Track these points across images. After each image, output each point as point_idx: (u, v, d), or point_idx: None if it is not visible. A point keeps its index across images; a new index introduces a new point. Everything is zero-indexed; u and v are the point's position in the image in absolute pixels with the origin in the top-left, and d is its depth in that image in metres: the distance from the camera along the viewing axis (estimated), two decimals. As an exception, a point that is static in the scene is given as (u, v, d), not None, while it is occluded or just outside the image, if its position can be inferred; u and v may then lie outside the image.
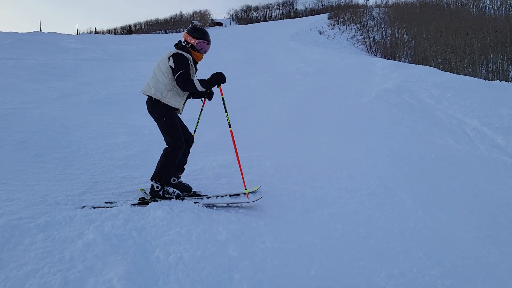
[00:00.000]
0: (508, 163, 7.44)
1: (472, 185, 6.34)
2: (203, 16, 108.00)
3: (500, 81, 15.65)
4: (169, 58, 4.46)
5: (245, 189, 4.70)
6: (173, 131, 4.47)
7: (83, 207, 4.18)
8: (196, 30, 4.63)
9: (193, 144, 4.93)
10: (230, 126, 4.84)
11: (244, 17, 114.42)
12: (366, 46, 71.84)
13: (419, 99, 12.18)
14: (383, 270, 3.65)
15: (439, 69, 21.92)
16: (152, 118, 4.59)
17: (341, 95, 13.14)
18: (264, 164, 6.36)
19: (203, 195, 4.86)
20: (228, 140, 7.59)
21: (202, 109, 5.37)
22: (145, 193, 4.66)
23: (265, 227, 4.02)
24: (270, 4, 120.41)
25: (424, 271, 3.79)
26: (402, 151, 7.49)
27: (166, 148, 4.54)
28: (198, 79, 4.42)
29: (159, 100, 4.42)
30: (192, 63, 4.56)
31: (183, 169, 4.96)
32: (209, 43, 4.68)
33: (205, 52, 4.70)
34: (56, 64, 15.52)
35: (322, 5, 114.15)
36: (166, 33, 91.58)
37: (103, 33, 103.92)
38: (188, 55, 4.52)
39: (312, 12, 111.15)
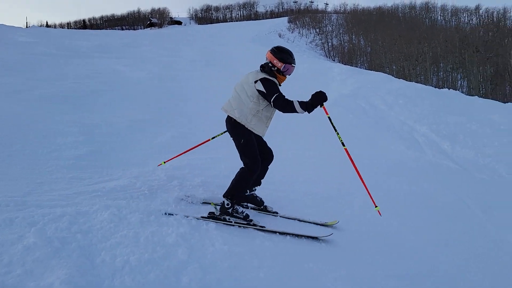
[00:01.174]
0: (453, 168, 7.80)
1: (419, 189, 6.60)
2: (162, 14, 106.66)
3: (449, 89, 16.38)
4: (255, 81, 4.32)
5: (376, 206, 4.49)
6: (250, 153, 4.38)
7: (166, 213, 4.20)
8: (282, 52, 4.48)
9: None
10: (344, 145, 4.72)
11: (204, 16, 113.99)
12: (325, 51, 73.39)
13: (373, 105, 12.56)
14: (331, 272, 3.71)
15: (393, 75, 22.71)
16: (231, 137, 4.52)
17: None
18: (219, 167, 6.32)
19: (274, 212, 4.86)
20: (182, 142, 7.50)
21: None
22: (216, 208, 4.56)
23: (216, 230, 4.00)
24: (231, 5, 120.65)
25: (371, 272, 3.88)
26: (355, 156, 7.65)
27: (242, 167, 4.43)
28: (298, 101, 4.28)
29: (243, 124, 4.34)
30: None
31: (260, 183, 4.89)
32: (294, 66, 4.54)
33: (289, 75, 4.59)
34: (3, 58, 14.76)
35: (282, 8, 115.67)
36: (122, 29, 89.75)
37: (55, 27, 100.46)
38: (275, 80, 4.41)
39: (272, 15, 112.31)
